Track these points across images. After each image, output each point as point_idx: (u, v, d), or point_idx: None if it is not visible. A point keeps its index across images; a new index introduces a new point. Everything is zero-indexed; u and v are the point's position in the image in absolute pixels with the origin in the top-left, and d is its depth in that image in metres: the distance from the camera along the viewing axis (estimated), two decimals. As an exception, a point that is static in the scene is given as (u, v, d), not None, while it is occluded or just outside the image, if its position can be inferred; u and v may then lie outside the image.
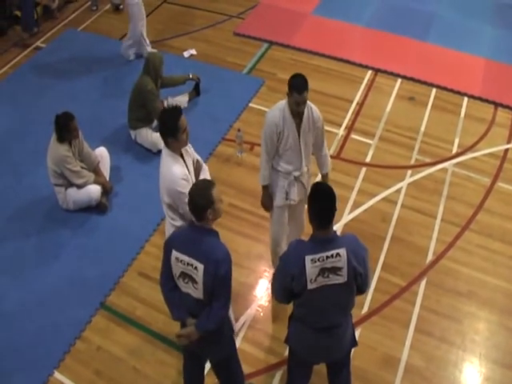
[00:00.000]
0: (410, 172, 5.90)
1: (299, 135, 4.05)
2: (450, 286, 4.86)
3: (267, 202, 4.41)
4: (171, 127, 3.55)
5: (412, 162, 6.03)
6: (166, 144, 3.63)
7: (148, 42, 7.48)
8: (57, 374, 4.28)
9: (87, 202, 5.42)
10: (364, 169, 5.93)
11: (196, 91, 6.79)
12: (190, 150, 3.84)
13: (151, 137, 6.02)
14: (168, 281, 3.33)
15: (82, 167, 5.38)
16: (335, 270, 3.00)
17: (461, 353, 4.42)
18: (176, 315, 3.42)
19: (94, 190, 5.39)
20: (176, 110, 3.61)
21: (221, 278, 3.09)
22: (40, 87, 7.03)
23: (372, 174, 5.86)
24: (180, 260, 3.14)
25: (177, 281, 3.26)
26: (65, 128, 5.08)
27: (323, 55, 7.55)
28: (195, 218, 3.11)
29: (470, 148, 6.17)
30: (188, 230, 3.20)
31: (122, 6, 8.30)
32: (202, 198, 3.04)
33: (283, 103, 4.01)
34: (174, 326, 4.52)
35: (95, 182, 5.41)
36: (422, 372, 4.28)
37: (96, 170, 5.53)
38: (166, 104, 6.35)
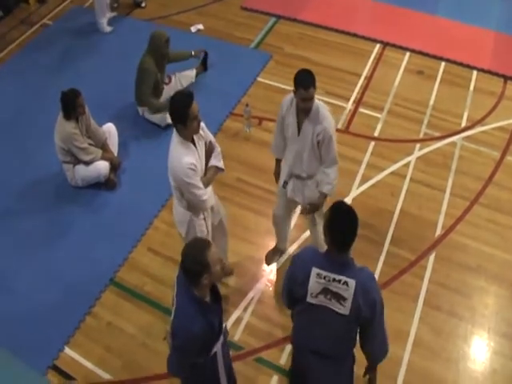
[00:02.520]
0: (418, 146, 5.75)
1: (299, 132, 3.80)
2: (459, 261, 4.76)
3: (276, 176, 4.32)
4: (181, 114, 3.32)
5: (421, 135, 5.87)
6: (177, 130, 3.43)
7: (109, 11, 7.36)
8: (67, 350, 4.25)
9: (96, 178, 5.33)
10: (372, 143, 5.79)
11: (203, 66, 6.65)
12: (202, 133, 3.62)
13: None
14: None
15: (90, 144, 5.28)
16: (338, 298, 2.79)
17: (470, 327, 4.34)
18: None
19: (102, 166, 5.30)
20: (187, 96, 3.35)
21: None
22: (47, 65, 6.89)
23: (380, 148, 5.72)
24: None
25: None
26: (71, 105, 4.96)
27: (331, 29, 7.33)
28: (188, 282, 2.73)
29: (479, 122, 6.01)
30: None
31: (144, 4, 8.02)
32: (195, 263, 2.64)
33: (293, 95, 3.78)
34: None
35: (103, 158, 5.32)
36: (431, 345, 4.22)
37: (104, 146, 5.43)
38: (173, 79, 6.23)
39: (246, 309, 4.48)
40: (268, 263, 4.75)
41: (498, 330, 4.31)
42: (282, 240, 4.71)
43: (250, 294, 4.58)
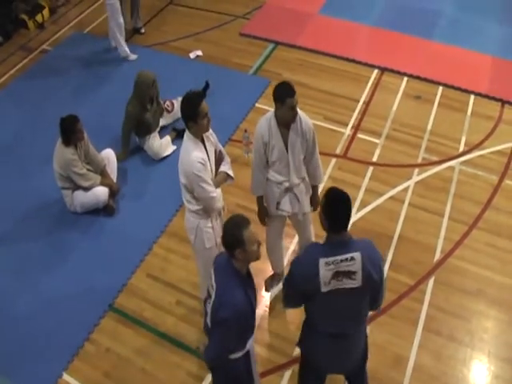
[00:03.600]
0: (417, 170, 5.90)
1: (286, 147, 3.96)
2: (458, 285, 4.86)
3: (261, 213, 4.38)
4: (192, 112, 3.58)
5: (419, 160, 6.02)
6: (188, 127, 3.67)
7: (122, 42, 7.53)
8: (65, 376, 4.32)
9: (94, 205, 5.46)
10: (371, 168, 5.94)
11: (204, 92, 6.82)
12: (212, 139, 3.87)
13: (153, 146, 6.05)
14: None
15: (89, 169, 5.42)
16: (349, 274, 2.97)
17: (469, 351, 4.42)
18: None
19: (101, 192, 5.43)
20: (197, 95, 3.63)
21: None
22: (47, 90, 7.08)
23: (379, 173, 5.87)
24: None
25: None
26: (70, 131, 5.12)
27: (329, 55, 7.55)
28: (228, 253, 3.02)
29: (477, 146, 6.16)
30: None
31: (143, 30, 8.26)
32: (230, 236, 2.94)
33: (270, 114, 3.94)
34: (182, 328, 4.60)
35: (102, 184, 5.45)
36: (430, 371, 4.29)
37: (103, 172, 5.57)
38: (175, 103, 6.43)
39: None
40: (267, 290, 4.85)
41: (498, 354, 4.39)
42: (279, 264, 4.82)
43: (249, 320, 4.67)
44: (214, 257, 4.03)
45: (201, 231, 3.94)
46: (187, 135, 3.71)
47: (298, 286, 3.11)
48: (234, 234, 2.92)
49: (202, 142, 3.76)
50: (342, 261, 2.95)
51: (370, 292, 3.09)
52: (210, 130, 3.82)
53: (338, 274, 2.96)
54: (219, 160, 3.94)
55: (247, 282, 3.10)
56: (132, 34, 8.09)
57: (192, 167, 3.63)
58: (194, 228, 3.95)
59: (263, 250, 5.00)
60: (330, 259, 2.95)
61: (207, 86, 6.85)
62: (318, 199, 4.36)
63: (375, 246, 3.13)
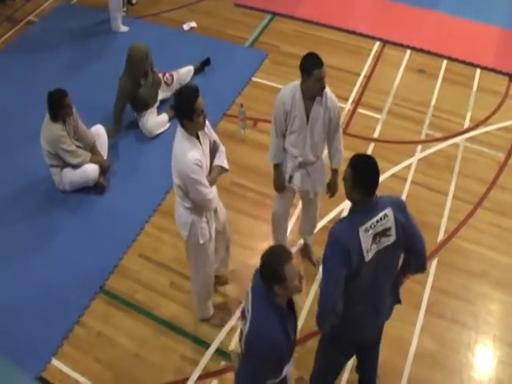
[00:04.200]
0: (420, 147, 5.80)
1: (307, 121, 3.91)
2: (462, 266, 4.79)
3: (278, 181, 4.30)
4: (187, 109, 3.39)
5: (422, 137, 5.92)
6: (182, 125, 3.49)
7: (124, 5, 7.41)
8: (55, 361, 4.26)
9: (84, 182, 5.36)
10: (372, 144, 5.84)
11: (202, 66, 6.68)
12: (207, 131, 3.69)
13: (147, 122, 5.93)
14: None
15: (78, 146, 5.30)
16: (385, 232, 2.95)
17: (474, 334, 4.37)
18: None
19: (91, 170, 5.32)
20: (193, 91, 3.43)
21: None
22: (33, 63, 6.92)
23: (380, 150, 5.76)
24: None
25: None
26: (58, 105, 4.99)
27: (329, 26, 7.39)
28: (266, 286, 2.78)
29: (483, 122, 6.05)
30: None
31: (134, 1, 8.05)
32: (270, 271, 2.71)
33: (296, 84, 3.86)
34: (176, 310, 4.54)
35: (92, 161, 5.35)
36: (433, 355, 4.24)
37: (93, 149, 5.45)
38: (175, 76, 6.29)
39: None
40: None
41: (503, 338, 4.34)
42: (282, 241, 4.75)
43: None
44: (208, 253, 3.99)
45: (195, 227, 3.79)
46: (181, 132, 3.51)
47: (342, 271, 2.92)
48: (274, 270, 2.68)
49: (197, 136, 3.58)
50: (377, 221, 2.93)
51: (405, 243, 3.05)
52: (206, 122, 3.63)
53: (376, 237, 2.93)
54: (213, 151, 3.77)
55: (288, 317, 2.87)
56: (124, 5, 7.87)
57: (187, 169, 3.46)
58: (187, 223, 3.79)
59: (260, 231, 4.98)
60: (368, 224, 2.91)
61: (208, 62, 6.71)
62: (336, 185, 4.29)
63: (396, 196, 3.18)
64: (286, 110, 3.90)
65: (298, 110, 3.88)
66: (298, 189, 4.29)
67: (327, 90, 3.87)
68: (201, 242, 3.86)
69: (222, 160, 3.83)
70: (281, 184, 4.29)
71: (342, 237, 2.95)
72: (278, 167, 4.24)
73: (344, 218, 3.14)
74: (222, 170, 3.84)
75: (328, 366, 3.68)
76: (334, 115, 3.93)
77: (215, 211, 3.97)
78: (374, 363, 3.80)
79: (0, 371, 3.64)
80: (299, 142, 4.03)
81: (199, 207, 3.73)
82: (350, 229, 2.94)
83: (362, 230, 2.90)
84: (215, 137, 3.80)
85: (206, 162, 3.66)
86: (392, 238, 2.98)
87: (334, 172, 4.27)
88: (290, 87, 3.90)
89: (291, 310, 2.94)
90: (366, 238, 2.91)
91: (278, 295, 2.77)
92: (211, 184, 3.68)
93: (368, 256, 2.94)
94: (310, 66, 3.69)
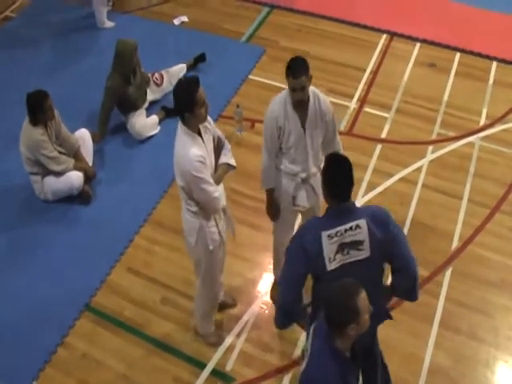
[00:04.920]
0: (431, 148, 5.83)
1: (304, 131, 3.89)
2: (479, 276, 4.80)
3: (273, 208, 4.25)
4: (188, 101, 3.42)
5: (434, 136, 5.96)
6: (183, 120, 3.53)
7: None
8: (36, 386, 4.28)
9: (68, 191, 5.39)
10: (379, 145, 5.87)
11: (195, 62, 6.74)
12: (209, 127, 3.73)
13: (135, 124, 5.97)
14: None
15: (61, 152, 5.33)
16: (356, 245, 2.94)
17: (493, 351, 4.37)
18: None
19: (75, 178, 5.35)
20: (193, 82, 3.47)
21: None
22: (12, 62, 7.00)
23: (389, 152, 5.81)
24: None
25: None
26: (38, 108, 5.02)
27: (331, 19, 7.47)
28: (331, 331, 2.63)
29: (500, 119, 6.10)
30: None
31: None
32: (342, 311, 2.52)
33: (285, 93, 3.85)
34: (168, 329, 4.56)
35: (76, 168, 5.37)
36: (448, 372, 4.25)
37: (77, 155, 5.49)
38: (165, 76, 6.36)
39: (239, 334, 4.51)
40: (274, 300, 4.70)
41: (525, 354, 4.36)
42: None
43: (244, 318, 4.62)
44: (217, 259, 3.98)
45: (203, 232, 3.80)
46: (182, 128, 3.55)
47: (298, 272, 3.03)
48: (346, 307, 2.52)
49: (199, 133, 3.61)
50: (346, 230, 2.92)
51: (384, 260, 3.04)
52: (208, 117, 3.68)
53: (343, 247, 2.93)
54: (218, 148, 3.81)
55: (349, 366, 2.73)
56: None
57: (190, 168, 3.48)
58: (194, 229, 3.80)
59: (259, 241, 5.00)
60: (333, 231, 2.92)
61: (203, 58, 6.77)
62: None
63: (383, 208, 3.14)
64: (278, 125, 3.86)
65: (292, 123, 3.85)
66: (304, 208, 4.21)
67: (317, 93, 3.87)
68: (210, 247, 3.86)
69: (228, 157, 3.85)
70: (277, 211, 4.24)
71: (304, 236, 3.03)
72: (271, 192, 4.18)
73: (314, 218, 3.19)
74: (229, 167, 3.86)
75: None
76: (329, 118, 3.93)
77: (224, 211, 3.97)
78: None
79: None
80: (299, 157, 3.99)
81: (206, 210, 3.74)
82: (313, 230, 2.99)
83: (324, 235, 2.92)
84: (219, 132, 3.84)
85: (211, 161, 3.69)
86: (364, 254, 2.96)
87: None
88: (279, 99, 3.87)
89: (354, 358, 2.82)
90: (328, 244, 2.93)
91: (348, 337, 2.60)
92: (217, 183, 3.69)
93: (330, 265, 2.95)
94: (288, 70, 3.66)
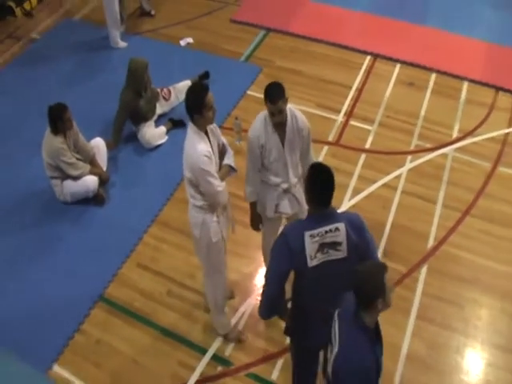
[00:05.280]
0: (410, 158, 5.86)
1: (283, 147, 3.87)
2: (452, 272, 4.83)
3: (255, 220, 4.24)
4: (197, 103, 3.48)
5: (412, 147, 5.98)
6: (192, 120, 3.58)
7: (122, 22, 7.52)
8: (56, 368, 4.28)
9: (84, 194, 5.39)
10: (363, 155, 5.89)
11: (200, 79, 6.76)
12: (216, 132, 3.78)
13: (145, 134, 5.98)
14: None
15: (78, 158, 5.34)
16: (335, 245, 2.98)
17: (463, 339, 4.40)
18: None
19: (90, 181, 5.36)
20: (203, 87, 3.56)
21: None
22: (36, 78, 6.96)
23: (372, 161, 5.83)
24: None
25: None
26: (58, 119, 5.04)
27: (322, 41, 7.47)
28: (362, 306, 2.68)
29: (471, 133, 6.12)
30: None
31: (153, 12, 8.18)
32: (373, 287, 2.60)
33: (264, 114, 3.83)
34: (173, 318, 4.57)
35: (91, 173, 5.38)
36: (423, 359, 4.27)
37: (92, 161, 5.50)
38: (172, 91, 6.38)
39: (237, 324, 4.53)
40: None
41: (491, 342, 4.38)
42: None
43: (241, 309, 4.63)
44: (222, 252, 3.99)
45: (206, 226, 3.82)
46: (191, 128, 3.60)
47: (281, 268, 3.07)
48: (376, 283, 2.60)
49: (206, 134, 3.66)
50: (326, 232, 2.96)
51: (358, 260, 3.02)
52: (214, 124, 3.73)
53: (323, 247, 2.98)
54: (222, 153, 3.85)
55: (376, 340, 2.80)
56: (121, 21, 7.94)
57: (198, 161, 3.52)
58: (198, 223, 3.83)
59: (254, 240, 5.00)
60: (315, 231, 2.96)
61: (207, 75, 6.79)
62: None
63: (359, 215, 3.13)
64: (260, 144, 3.83)
65: (272, 142, 3.83)
66: (288, 215, 4.20)
67: (294, 112, 3.84)
68: (213, 240, 3.86)
69: (231, 160, 3.88)
70: (259, 222, 4.24)
71: (289, 234, 3.05)
72: (255, 205, 4.17)
73: (298, 220, 3.23)
74: (231, 169, 3.89)
75: (297, 367, 3.69)
76: (305, 133, 3.90)
77: (225, 208, 3.98)
78: None
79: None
80: (281, 170, 3.97)
81: (210, 205, 3.76)
82: (297, 230, 3.02)
83: (307, 234, 2.96)
84: (223, 140, 3.88)
85: (216, 159, 3.72)
86: (342, 254, 3.01)
87: None
88: (259, 119, 3.85)
89: (378, 333, 2.86)
90: (310, 243, 2.96)
91: (376, 311, 2.66)
92: (221, 180, 3.72)
93: (311, 262, 2.99)
94: (266, 96, 3.65)
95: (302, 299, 3.26)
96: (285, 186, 4.03)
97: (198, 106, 3.48)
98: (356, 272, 2.66)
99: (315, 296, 3.17)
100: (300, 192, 4.11)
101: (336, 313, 2.90)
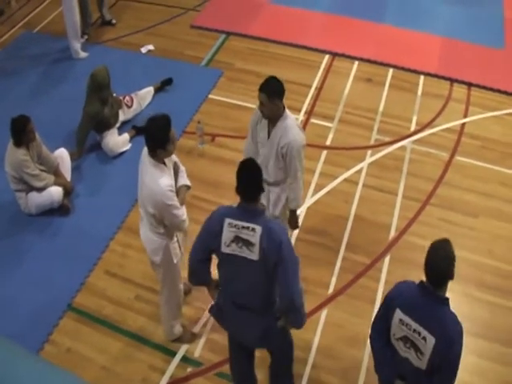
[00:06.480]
0: (370, 152, 5.92)
1: (268, 137, 3.97)
2: (414, 261, 4.86)
3: None
4: (162, 139, 3.42)
5: (372, 141, 6.05)
6: (153, 155, 3.49)
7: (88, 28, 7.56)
8: (25, 379, 4.22)
9: (49, 205, 5.34)
10: (325, 152, 5.94)
11: (162, 85, 6.76)
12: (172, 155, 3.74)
13: (109, 142, 5.94)
14: (381, 336, 3.12)
15: (42, 170, 5.29)
16: (248, 244, 3.03)
17: (426, 325, 4.45)
18: (385, 374, 3.21)
19: (55, 192, 5.31)
20: (166, 121, 3.45)
21: (451, 360, 2.81)
22: (-4, 92, 6.89)
23: (333, 157, 5.87)
24: (406, 324, 2.89)
25: (394, 341, 3.02)
26: (21, 131, 4.98)
27: (281, 43, 7.50)
28: (433, 285, 2.86)
29: (428, 124, 6.21)
30: (418, 292, 2.92)
31: (114, 21, 8.13)
32: (448, 265, 2.89)
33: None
34: (142, 322, 4.55)
35: (56, 184, 5.33)
36: (389, 347, 4.31)
37: (56, 172, 5.45)
38: (134, 99, 6.32)
39: (205, 324, 4.52)
40: None
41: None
42: None
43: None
44: (178, 269, 3.98)
45: (168, 249, 3.81)
46: (150, 162, 3.51)
47: (204, 241, 3.19)
48: (450, 263, 2.93)
49: (163, 162, 3.62)
50: (243, 227, 3.02)
51: (268, 271, 3.04)
52: None
53: (238, 240, 3.04)
54: (176, 172, 3.82)
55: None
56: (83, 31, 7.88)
57: (163, 197, 3.48)
58: (161, 248, 3.80)
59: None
60: (234, 222, 3.04)
61: (170, 81, 6.78)
62: (292, 223, 4.37)
63: (283, 229, 3.17)
64: (256, 119, 4.01)
65: (262, 125, 3.98)
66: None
67: (292, 129, 3.87)
68: (175, 261, 3.89)
69: (185, 179, 3.89)
70: None
71: (214, 215, 3.18)
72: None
73: (228, 206, 3.22)
74: (187, 188, 3.91)
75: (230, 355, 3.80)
76: (284, 151, 3.90)
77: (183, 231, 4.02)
78: (273, 369, 3.75)
79: None
80: (261, 157, 4.06)
81: (171, 230, 3.78)
82: (221, 214, 3.12)
83: (227, 221, 3.04)
84: (175, 158, 3.84)
85: (174, 183, 3.70)
86: (254, 256, 3.03)
87: (291, 211, 4.30)
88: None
89: None
90: (227, 231, 3.06)
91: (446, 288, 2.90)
92: (181, 204, 3.71)
93: (225, 249, 3.08)
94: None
95: (220, 279, 3.36)
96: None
97: (162, 142, 3.43)
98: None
99: (225, 282, 3.30)
100: (273, 195, 4.21)
101: (403, 316, 2.91)
